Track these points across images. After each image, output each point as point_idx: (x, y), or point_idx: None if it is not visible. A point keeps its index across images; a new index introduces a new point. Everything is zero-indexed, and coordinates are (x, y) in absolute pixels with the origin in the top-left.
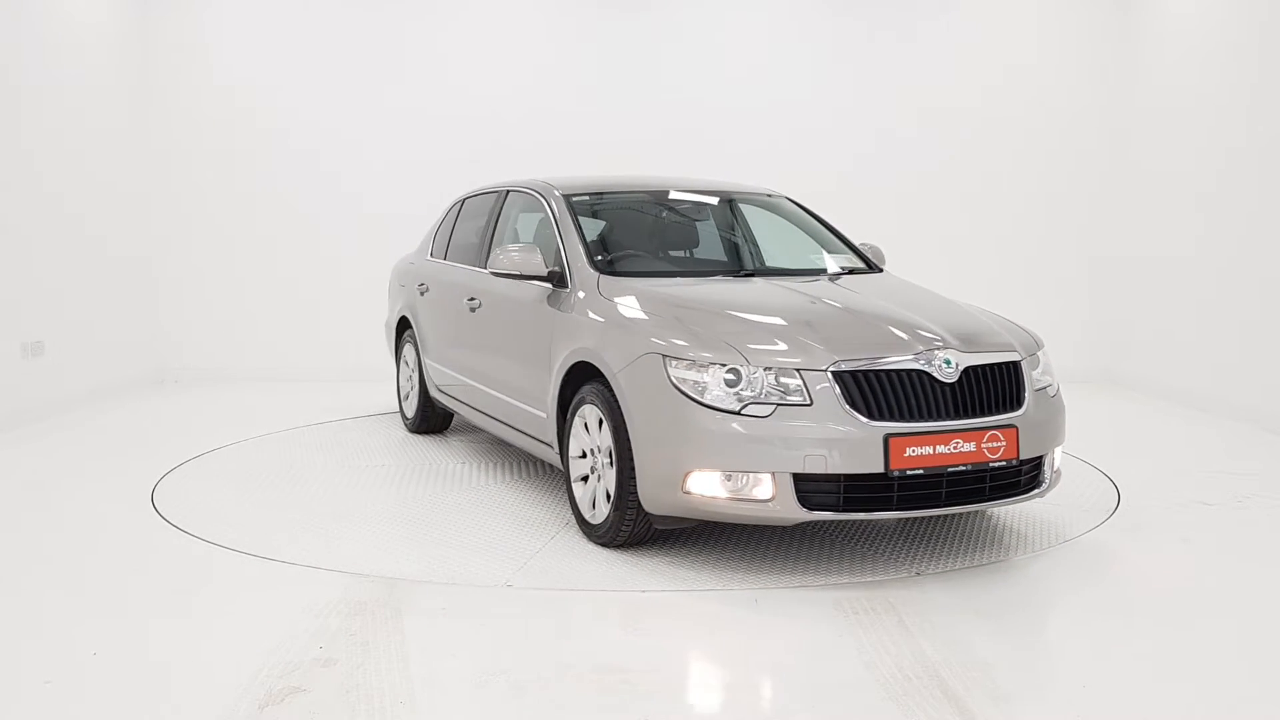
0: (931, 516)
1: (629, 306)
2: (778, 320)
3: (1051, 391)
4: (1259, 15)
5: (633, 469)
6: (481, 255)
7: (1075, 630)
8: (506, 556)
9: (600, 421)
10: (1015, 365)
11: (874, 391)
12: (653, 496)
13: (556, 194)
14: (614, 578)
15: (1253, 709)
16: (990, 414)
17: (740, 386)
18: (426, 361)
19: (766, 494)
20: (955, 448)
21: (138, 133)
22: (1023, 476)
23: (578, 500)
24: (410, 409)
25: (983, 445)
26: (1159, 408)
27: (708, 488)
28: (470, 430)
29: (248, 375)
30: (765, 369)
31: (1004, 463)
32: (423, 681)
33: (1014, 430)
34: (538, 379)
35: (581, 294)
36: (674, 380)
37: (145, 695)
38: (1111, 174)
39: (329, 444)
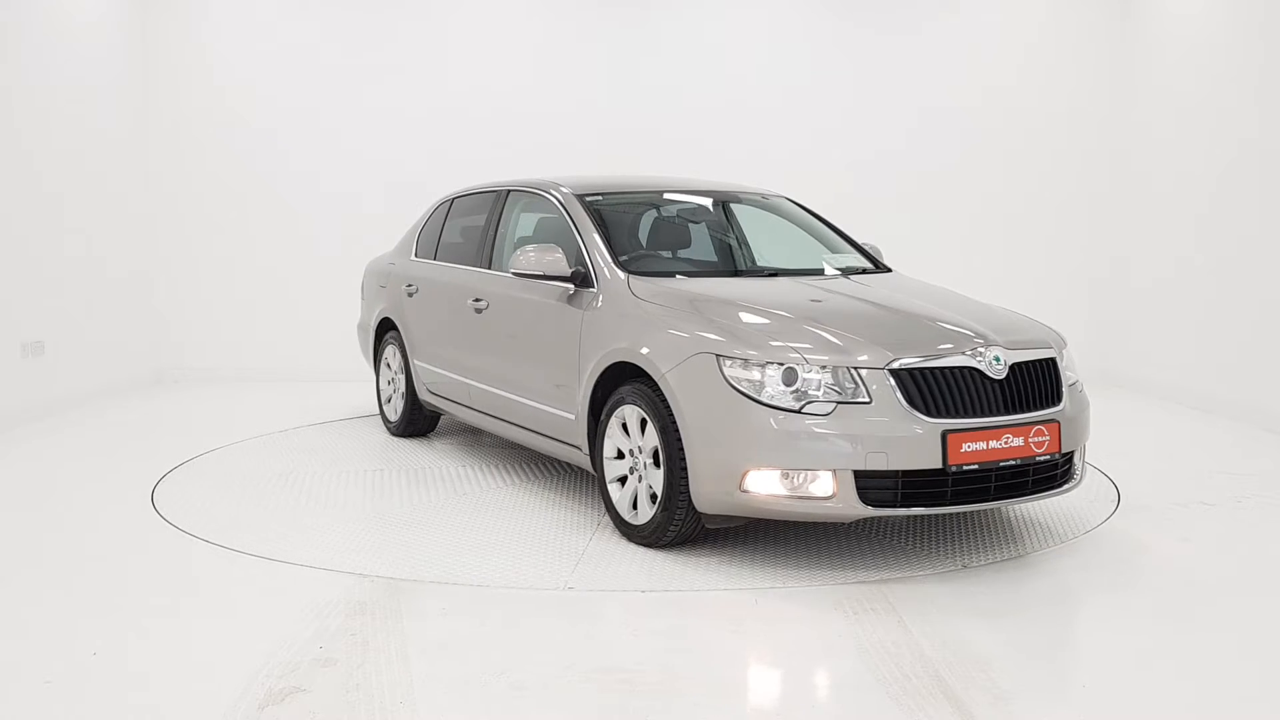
0: (980, 510)
1: (669, 307)
2: (824, 319)
3: (1079, 387)
4: (1259, 15)
5: (683, 469)
6: (483, 256)
7: (1075, 630)
8: (555, 558)
9: (643, 422)
10: (1053, 361)
11: (930, 389)
12: (707, 496)
13: (570, 194)
14: (668, 577)
15: (1253, 708)
16: (1034, 409)
17: (797, 385)
18: (416, 364)
19: (827, 491)
20: (1006, 443)
21: (137, 133)
22: (1058, 470)
23: (614, 501)
24: (394, 412)
25: (1030, 440)
26: (1159, 408)
27: (766, 486)
28: (455, 434)
29: (247, 375)
30: (821, 367)
31: (1048, 456)
32: (423, 681)
33: (1056, 425)
34: (562, 380)
35: (610, 294)
36: (730, 380)
37: (145, 695)
38: (1113, 173)
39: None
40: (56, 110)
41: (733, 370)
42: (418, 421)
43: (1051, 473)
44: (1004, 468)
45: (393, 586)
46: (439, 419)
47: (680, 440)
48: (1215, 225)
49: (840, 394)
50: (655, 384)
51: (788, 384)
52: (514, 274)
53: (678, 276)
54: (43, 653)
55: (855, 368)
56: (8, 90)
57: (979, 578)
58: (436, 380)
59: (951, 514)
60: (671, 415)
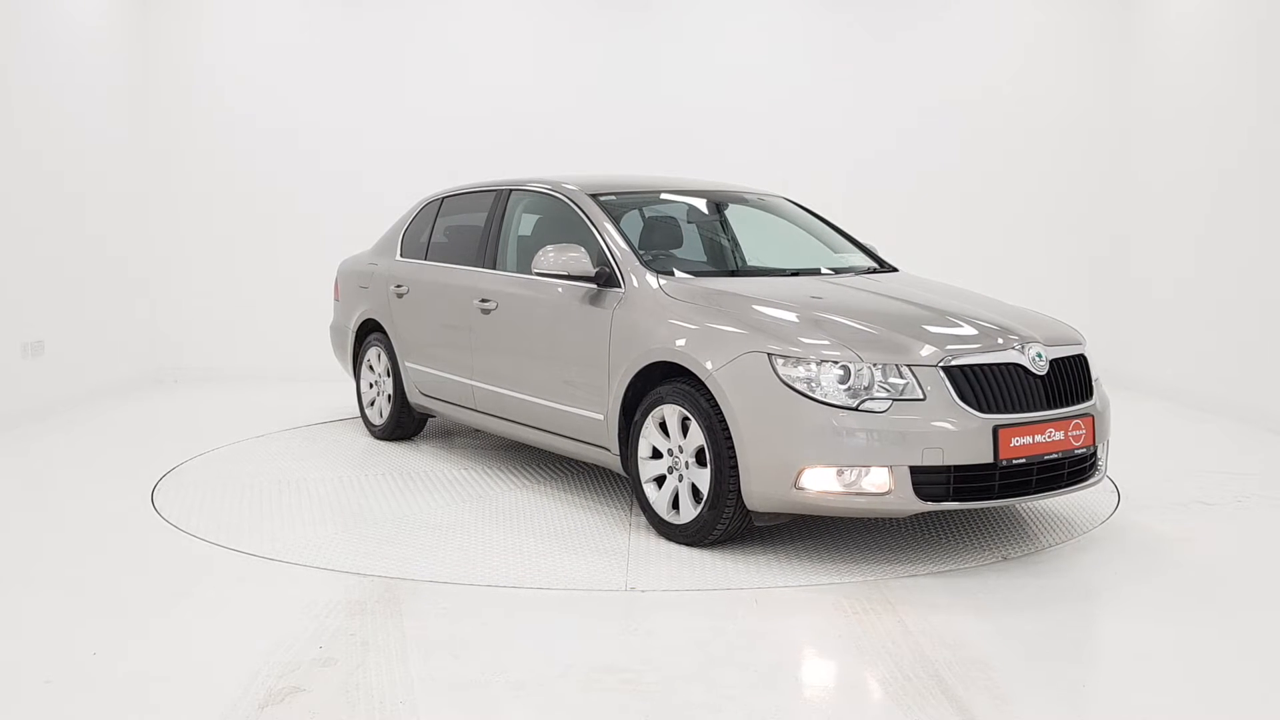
0: (1022, 503)
1: (705, 306)
2: (866, 317)
3: (1100, 383)
4: (1259, 14)
5: (733, 467)
6: (485, 256)
7: (1075, 630)
8: (608, 558)
9: (684, 421)
10: (1084, 357)
11: (981, 385)
12: (759, 494)
13: (583, 194)
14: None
15: (1252, 709)
16: (1071, 404)
17: (850, 383)
18: (407, 365)
19: (883, 487)
20: (1049, 436)
21: (137, 132)
22: (1086, 464)
23: (652, 502)
24: (379, 415)
25: (1069, 434)
26: (1159, 408)
27: (822, 483)
28: (441, 437)
29: (247, 375)
30: (874, 365)
31: (1084, 449)
32: (423, 681)
33: (1091, 419)
34: (588, 381)
35: (640, 294)
36: (783, 378)
37: (145, 695)
38: (1113, 173)
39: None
40: (57, 111)
41: (786, 369)
42: (406, 424)
43: (1081, 466)
44: (1046, 461)
45: (393, 586)
46: (426, 422)
47: (729, 439)
48: (1216, 226)
49: (893, 391)
50: (697, 382)
51: (842, 381)
52: (537, 274)
53: (704, 276)
54: (43, 653)
55: (909, 365)
56: (8, 91)
57: (979, 577)
58: (431, 382)
59: (996, 507)
60: (718, 414)
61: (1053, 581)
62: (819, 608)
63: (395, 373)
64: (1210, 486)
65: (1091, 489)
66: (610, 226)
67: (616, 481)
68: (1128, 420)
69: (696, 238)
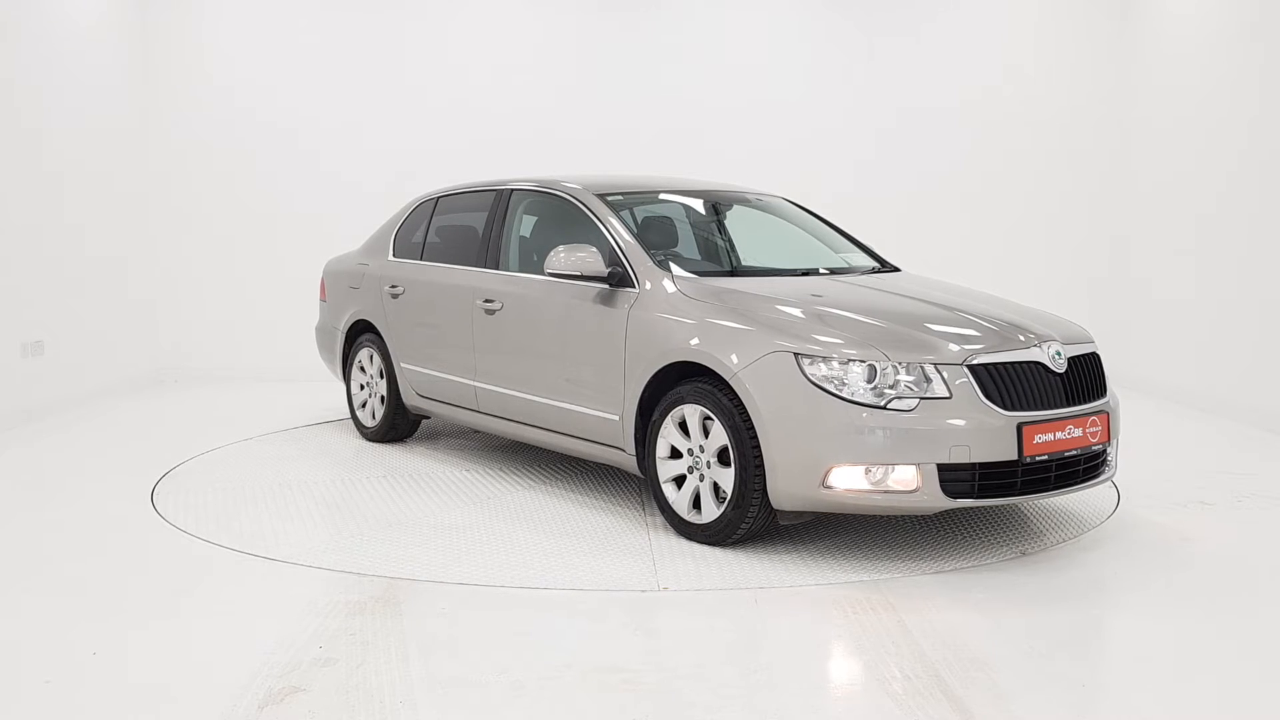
0: (1042, 499)
1: (723, 306)
2: (886, 316)
3: (1111, 380)
4: (1258, 14)
5: (758, 466)
6: (488, 256)
7: (1075, 630)
8: (635, 559)
9: (705, 420)
10: (1096, 355)
11: (1004, 383)
12: (785, 493)
13: (591, 194)
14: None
15: (1253, 709)
16: (1087, 401)
17: (876, 381)
18: (403, 366)
19: (911, 485)
20: (1069, 434)
21: (137, 132)
22: (1098, 460)
23: (671, 501)
24: (371, 417)
25: (1086, 430)
26: (1158, 408)
27: (849, 481)
28: (434, 438)
29: (247, 375)
30: (899, 364)
31: (1100, 446)
32: (423, 681)
33: (1106, 415)
34: (602, 381)
35: (655, 294)
36: (810, 377)
37: (145, 695)
38: (1113, 173)
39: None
40: (57, 110)
41: (813, 368)
42: (400, 426)
43: (1094, 463)
44: (1064, 458)
45: (392, 586)
46: (420, 424)
47: (754, 438)
48: (1216, 226)
49: (920, 389)
50: (719, 382)
51: (868, 380)
52: (550, 275)
53: (711, 276)
54: (43, 653)
55: (935, 363)
56: (8, 90)
57: (979, 577)
58: (429, 383)
59: (1014, 504)
60: (742, 413)
61: (1053, 581)
62: (819, 607)
63: (389, 374)
64: (1210, 486)
65: (1093, 489)
66: (620, 226)
67: (621, 480)
68: (1128, 420)
69: (697, 238)
